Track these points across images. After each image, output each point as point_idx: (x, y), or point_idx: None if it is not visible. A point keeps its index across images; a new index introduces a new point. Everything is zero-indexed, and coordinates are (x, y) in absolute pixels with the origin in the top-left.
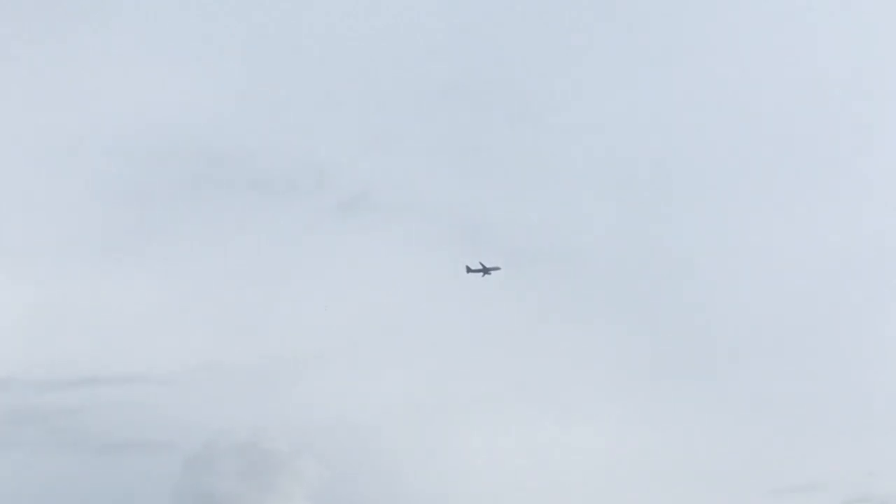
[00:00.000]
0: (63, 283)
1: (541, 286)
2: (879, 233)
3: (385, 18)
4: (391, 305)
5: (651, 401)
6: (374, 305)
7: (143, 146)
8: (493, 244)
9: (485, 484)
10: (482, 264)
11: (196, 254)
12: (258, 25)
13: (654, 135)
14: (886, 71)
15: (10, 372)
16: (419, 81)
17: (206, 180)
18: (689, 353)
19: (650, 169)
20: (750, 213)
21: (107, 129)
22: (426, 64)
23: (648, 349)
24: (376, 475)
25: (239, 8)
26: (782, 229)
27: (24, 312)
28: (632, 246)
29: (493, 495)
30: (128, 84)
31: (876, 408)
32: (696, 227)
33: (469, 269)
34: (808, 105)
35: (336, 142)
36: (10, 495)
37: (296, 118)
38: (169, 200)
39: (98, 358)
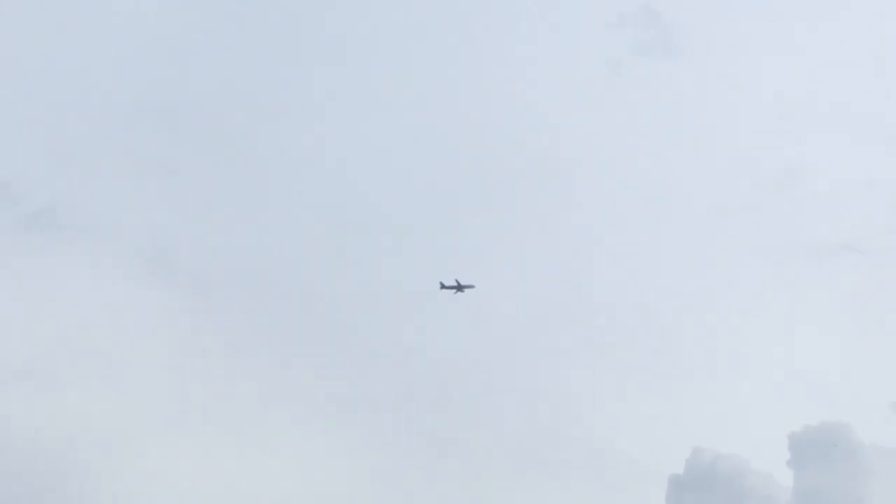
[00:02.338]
0: None
1: (237, 314)
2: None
3: (81, 33)
4: (74, 325)
5: (344, 433)
6: (56, 324)
7: None
8: (182, 269)
9: None
10: (457, 281)
11: None
12: None
13: (368, 167)
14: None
15: None
16: (115, 100)
17: None
18: (382, 389)
19: (357, 200)
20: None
21: None
22: (123, 83)
23: (344, 383)
24: (62, 495)
25: None
26: (494, 265)
27: None
28: (333, 279)
29: None
30: None
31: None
32: (402, 262)
33: (443, 286)
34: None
35: (22, 156)
36: None
37: None
38: None
39: None
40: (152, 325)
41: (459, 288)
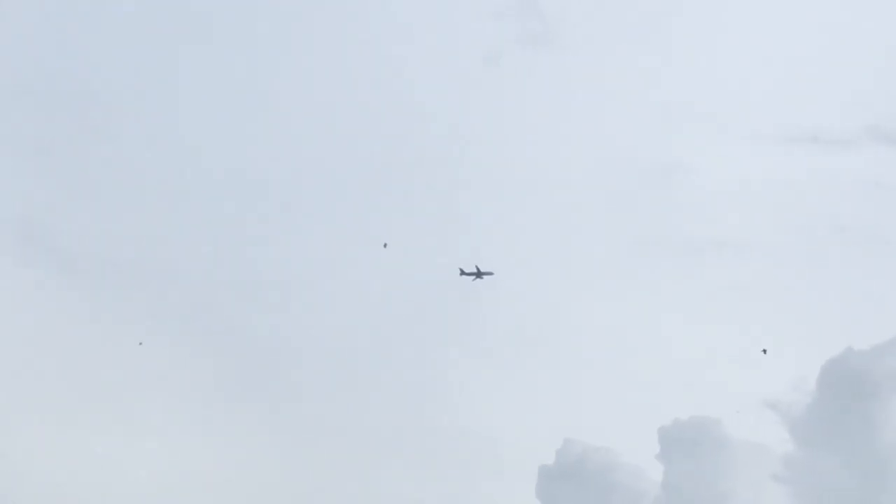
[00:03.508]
0: None
1: (107, 296)
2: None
3: None
4: None
5: (214, 419)
6: None
7: None
8: (53, 248)
9: (41, 487)
10: (477, 267)
11: None
12: None
13: (248, 152)
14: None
15: None
16: None
17: None
18: (253, 375)
19: (226, 186)
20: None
21: None
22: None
23: (213, 367)
24: None
25: None
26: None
27: None
28: (207, 264)
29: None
30: None
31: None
32: (282, 252)
33: (463, 272)
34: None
35: None
36: None
37: None
38: None
39: None
40: (18, 304)
41: (479, 275)
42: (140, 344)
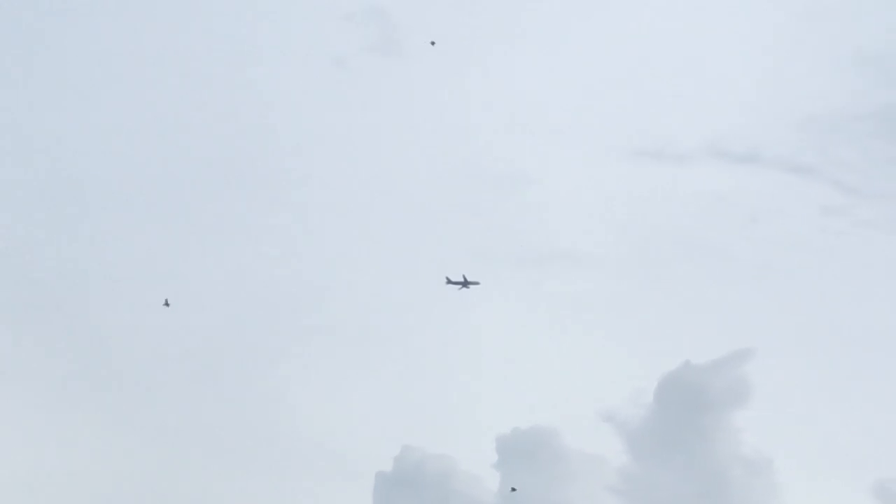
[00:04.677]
0: None
1: None
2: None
3: None
4: None
5: (59, 417)
6: None
7: None
8: None
9: None
10: (464, 276)
11: None
12: None
13: (88, 152)
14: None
15: None
16: None
17: None
18: (104, 375)
19: (69, 185)
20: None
21: None
22: None
23: (70, 363)
24: None
25: None
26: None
27: None
28: (65, 257)
29: None
30: None
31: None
32: (121, 246)
33: (449, 281)
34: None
35: None
36: None
37: None
38: None
39: None
40: None
41: (465, 284)
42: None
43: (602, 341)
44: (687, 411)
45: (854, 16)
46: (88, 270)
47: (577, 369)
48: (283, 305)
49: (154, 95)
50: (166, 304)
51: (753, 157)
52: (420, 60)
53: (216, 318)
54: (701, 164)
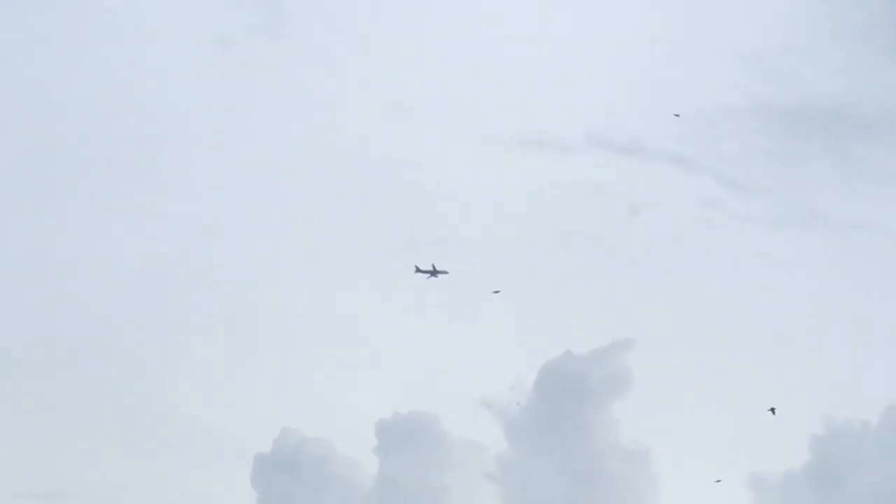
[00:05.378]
0: None
1: None
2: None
3: None
4: None
5: None
6: None
7: None
8: None
9: None
10: (433, 265)
11: None
12: None
13: None
14: None
15: None
16: None
17: None
18: None
19: None
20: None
21: None
22: None
23: None
24: None
25: None
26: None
27: None
28: None
29: None
30: None
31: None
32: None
33: (418, 270)
34: None
35: None
36: None
37: None
38: None
39: None
40: None
41: (434, 273)
42: None
43: (483, 328)
44: (567, 400)
45: (736, 12)
46: None
47: (457, 356)
48: (162, 287)
49: (31, 75)
50: None
51: (635, 149)
52: (305, 44)
53: (94, 298)
54: (582, 153)
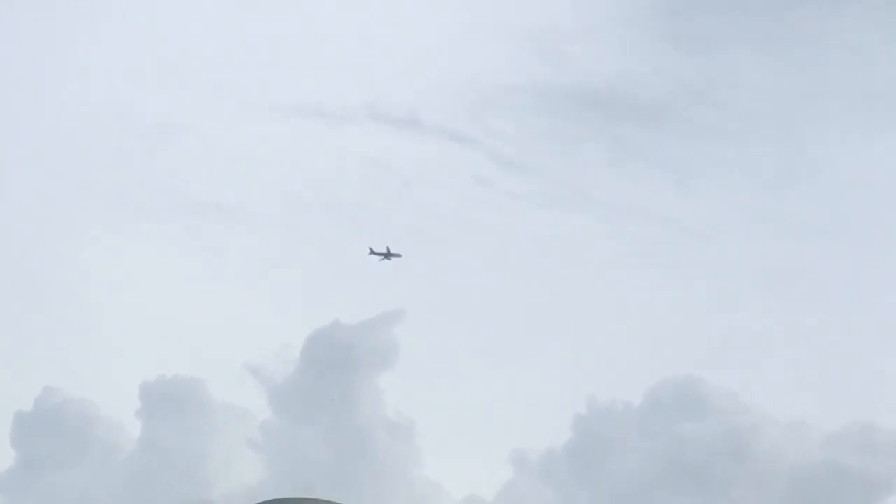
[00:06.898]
0: None
1: None
2: None
3: None
4: None
5: None
6: None
7: None
8: None
9: None
10: (388, 248)
11: None
12: None
13: None
14: None
15: None
16: None
17: None
18: None
19: None
20: None
21: None
22: None
23: None
24: None
25: None
26: None
27: None
28: None
29: None
30: None
31: None
32: None
33: (372, 252)
34: None
35: None
36: None
37: None
38: None
39: None
40: None
41: (388, 255)
42: None
43: (251, 295)
44: (333, 370)
45: None
46: None
47: (225, 321)
48: None
49: None
50: None
51: (411, 122)
52: (78, 4)
53: None
54: (358, 124)
